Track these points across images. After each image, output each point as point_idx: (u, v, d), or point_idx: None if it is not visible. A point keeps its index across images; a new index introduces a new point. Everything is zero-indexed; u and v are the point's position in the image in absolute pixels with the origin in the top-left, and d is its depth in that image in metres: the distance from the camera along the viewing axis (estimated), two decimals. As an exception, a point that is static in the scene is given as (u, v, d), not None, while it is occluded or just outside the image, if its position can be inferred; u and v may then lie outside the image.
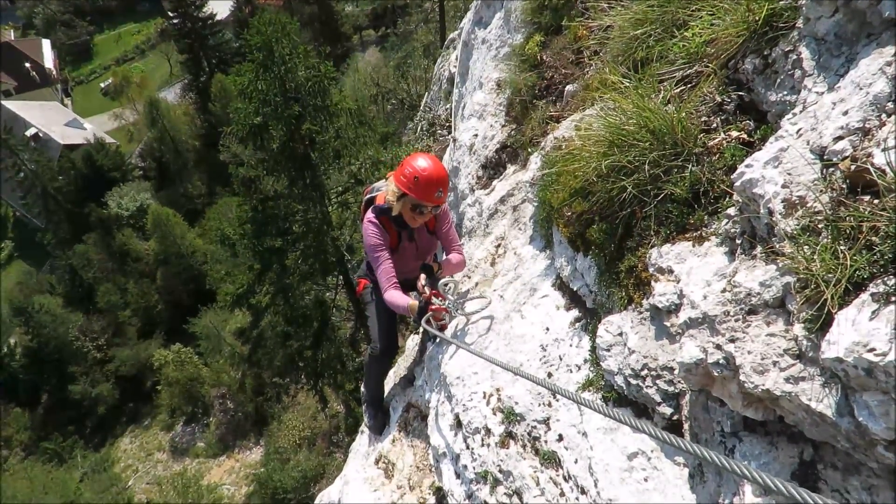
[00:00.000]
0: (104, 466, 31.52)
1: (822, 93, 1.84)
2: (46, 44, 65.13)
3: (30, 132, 49.64)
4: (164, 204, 41.17)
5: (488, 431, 2.97)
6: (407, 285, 3.83)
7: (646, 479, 2.16)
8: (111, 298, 37.42)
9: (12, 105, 52.44)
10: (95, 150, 45.32)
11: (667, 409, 2.15)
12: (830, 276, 1.40)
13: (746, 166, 1.80)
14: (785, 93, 2.08)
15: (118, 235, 39.69)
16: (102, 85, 62.29)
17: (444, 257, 4.05)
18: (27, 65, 60.79)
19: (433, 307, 3.62)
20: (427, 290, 3.72)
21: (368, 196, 4.09)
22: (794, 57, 2.02)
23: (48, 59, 64.04)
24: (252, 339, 22.10)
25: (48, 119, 53.02)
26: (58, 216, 43.94)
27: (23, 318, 35.83)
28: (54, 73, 64.15)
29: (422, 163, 3.53)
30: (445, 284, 3.67)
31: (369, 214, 3.79)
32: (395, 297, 3.65)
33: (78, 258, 39.18)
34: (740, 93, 2.32)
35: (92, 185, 42.78)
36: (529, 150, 4.56)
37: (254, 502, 25.34)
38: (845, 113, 1.60)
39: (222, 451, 29.90)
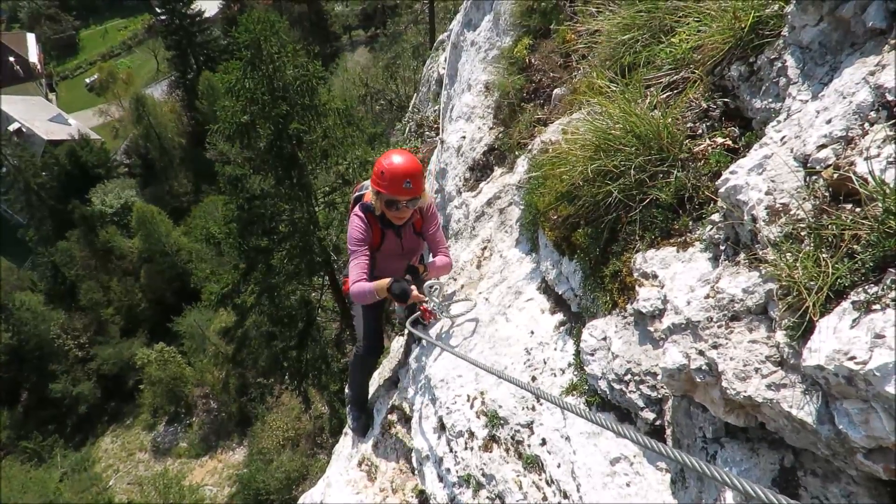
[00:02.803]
0: (84, 466, 31.03)
1: (807, 101, 1.85)
2: (31, 38, 64.34)
3: (13, 127, 49.01)
4: (149, 201, 40.74)
5: (472, 435, 2.96)
6: None
7: (628, 485, 2.16)
8: (94, 296, 36.93)
9: (-5, 100, 51.71)
10: (80, 146, 44.68)
11: (649, 415, 2.15)
12: (812, 283, 1.41)
13: (731, 173, 1.80)
14: (770, 100, 2.09)
15: (102, 233, 39.08)
16: (88, 80, 61.49)
17: (430, 259, 4.04)
18: (11, 59, 59.99)
19: (422, 307, 3.62)
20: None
21: (357, 194, 4.09)
22: (780, 65, 2.03)
23: (33, 54, 63.28)
24: (236, 338, 21.97)
25: (32, 114, 52.29)
26: (40, 212, 43.26)
27: (3, 314, 35.25)
28: (39, 67, 63.38)
29: (388, 158, 3.55)
30: (431, 286, 3.66)
31: (356, 209, 3.81)
32: (362, 286, 3.58)
33: (60, 255, 38.57)
34: (726, 99, 2.34)
35: (76, 182, 42.09)
36: (517, 152, 4.56)
37: (236, 503, 25.15)
38: (829, 121, 1.60)
39: (205, 452, 29.57)
